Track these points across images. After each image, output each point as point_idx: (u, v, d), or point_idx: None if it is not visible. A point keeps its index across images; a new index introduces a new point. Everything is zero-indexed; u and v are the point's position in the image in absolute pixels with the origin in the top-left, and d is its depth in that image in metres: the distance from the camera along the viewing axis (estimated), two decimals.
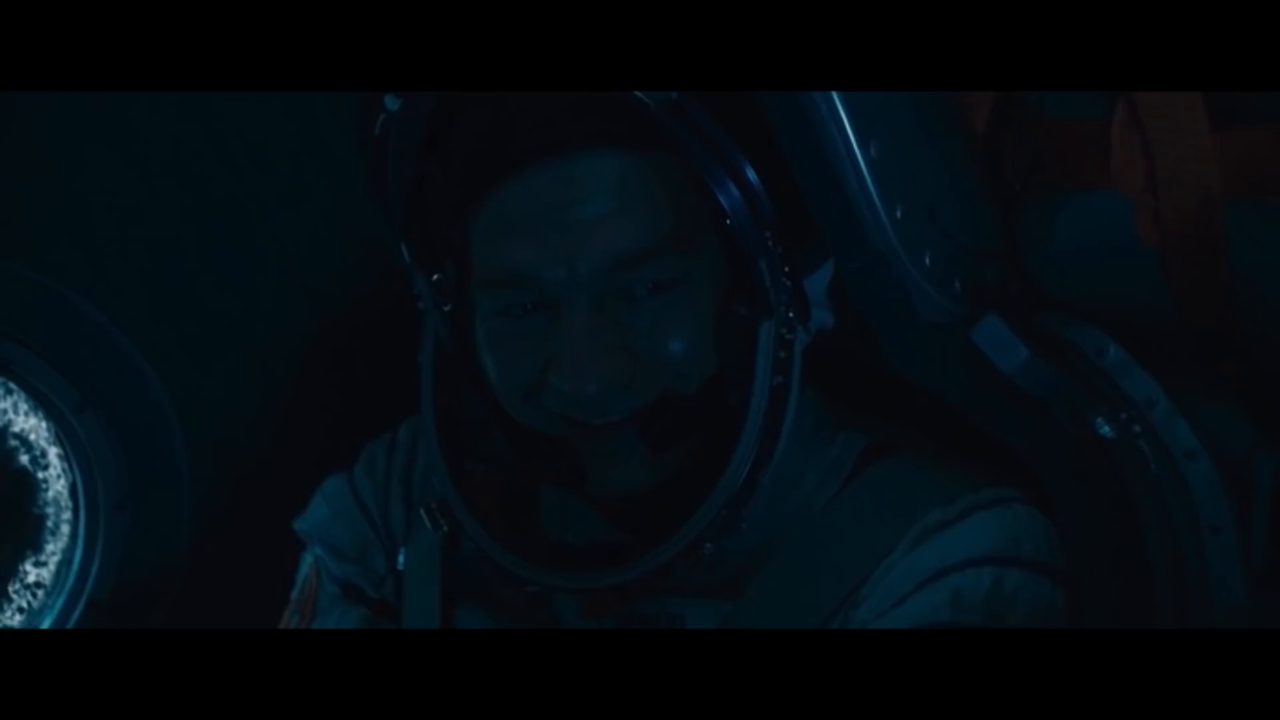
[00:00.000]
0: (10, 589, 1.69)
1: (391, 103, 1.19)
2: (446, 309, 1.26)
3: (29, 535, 1.70)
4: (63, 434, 1.67)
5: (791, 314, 1.19)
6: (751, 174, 1.15)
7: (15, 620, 1.69)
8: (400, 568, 1.40)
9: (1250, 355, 1.16)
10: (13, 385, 1.66)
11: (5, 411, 1.68)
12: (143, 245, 1.66)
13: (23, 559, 1.69)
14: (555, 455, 1.26)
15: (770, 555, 1.24)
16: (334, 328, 1.77)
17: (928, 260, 1.18)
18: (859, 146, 1.13)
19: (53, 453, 1.69)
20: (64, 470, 1.69)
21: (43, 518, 1.70)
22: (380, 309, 1.54)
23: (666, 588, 1.24)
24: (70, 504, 1.69)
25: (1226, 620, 1.14)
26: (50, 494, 1.70)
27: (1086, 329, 1.19)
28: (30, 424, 1.68)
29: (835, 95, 1.12)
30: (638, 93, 1.12)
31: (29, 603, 1.69)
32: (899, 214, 1.15)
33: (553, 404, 1.22)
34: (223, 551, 1.72)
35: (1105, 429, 1.18)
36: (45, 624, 1.68)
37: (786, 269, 1.18)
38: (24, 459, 1.69)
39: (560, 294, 1.17)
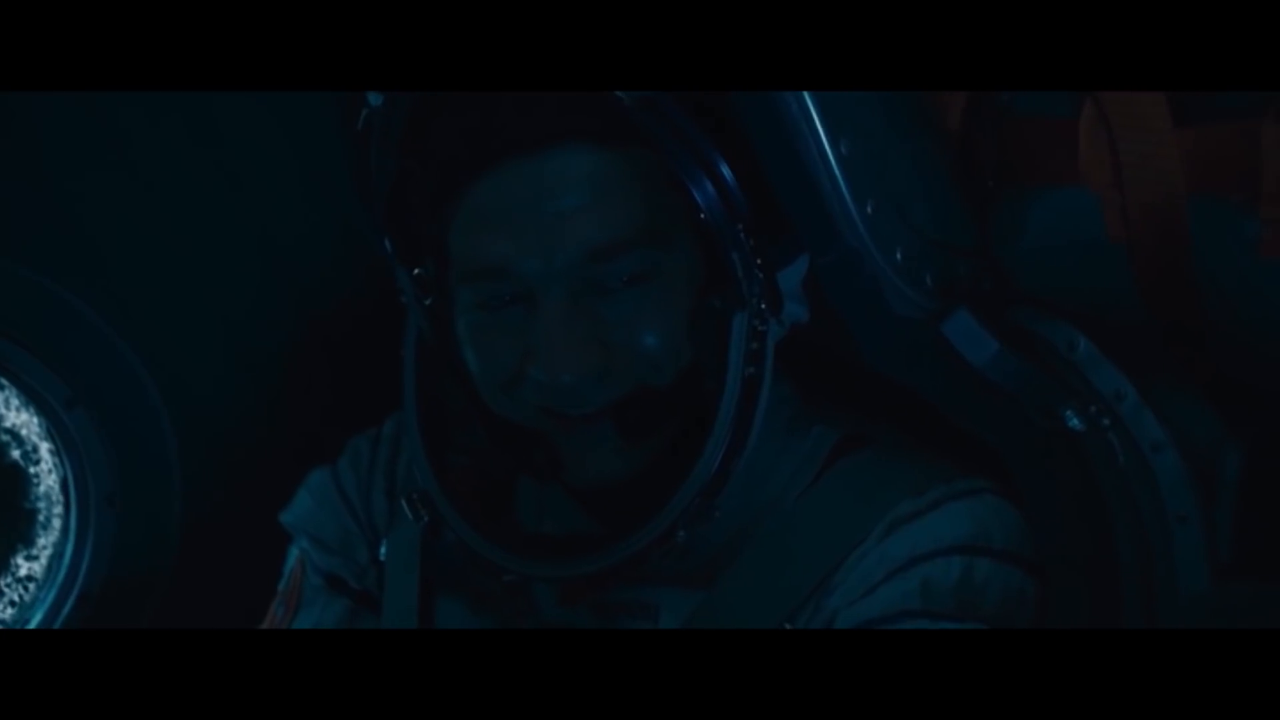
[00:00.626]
0: (2, 583, 1.71)
1: (374, 98, 1.21)
2: (427, 303, 1.28)
3: (21, 529, 1.71)
4: (54, 429, 1.69)
5: (764, 306, 1.20)
6: (725, 169, 1.16)
7: (7, 613, 1.70)
8: (382, 559, 1.41)
9: (1215, 348, 1.18)
10: (4, 381, 1.67)
11: None
12: (133, 243, 1.68)
13: (14, 553, 1.71)
14: (533, 446, 1.27)
15: (743, 544, 1.25)
16: (322, 323, 1.77)
17: (899, 255, 1.20)
18: (830, 144, 1.14)
19: (44, 448, 1.71)
20: (55, 465, 1.70)
21: (34, 512, 1.71)
22: (368, 305, 1.55)
23: (641, 576, 1.25)
24: (61, 499, 1.70)
25: (1191, 608, 1.16)
26: (42, 489, 1.71)
27: (1057, 323, 1.21)
28: (22, 419, 1.70)
29: (807, 95, 1.13)
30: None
31: (20, 596, 1.71)
32: (869, 210, 1.17)
33: (531, 396, 1.23)
34: (212, 545, 1.73)
35: (1074, 422, 1.19)
36: (36, 617, 1.69)
37: (759, 262, 1.19)
38: (15, 454, 1.71)
39: (536, 286, 1.19)
